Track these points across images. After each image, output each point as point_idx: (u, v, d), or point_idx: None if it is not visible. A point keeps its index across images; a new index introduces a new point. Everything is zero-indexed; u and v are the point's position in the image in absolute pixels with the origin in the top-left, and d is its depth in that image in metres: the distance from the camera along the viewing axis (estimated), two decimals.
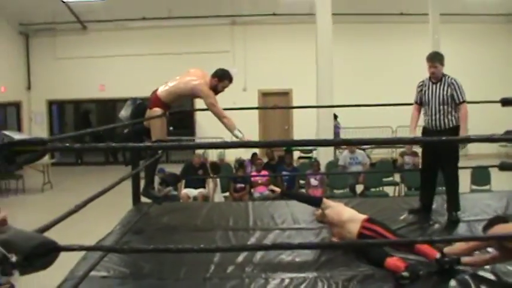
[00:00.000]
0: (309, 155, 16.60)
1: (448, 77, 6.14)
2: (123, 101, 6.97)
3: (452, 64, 16.34)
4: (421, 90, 6.36)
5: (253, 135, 16.97)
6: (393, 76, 17.48)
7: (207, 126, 17.00)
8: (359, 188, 11.75)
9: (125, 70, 18.14)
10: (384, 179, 12.11)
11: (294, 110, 18.23)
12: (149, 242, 5.56)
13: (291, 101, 18.54)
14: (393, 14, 17.10)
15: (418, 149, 13.86)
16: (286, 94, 18.61)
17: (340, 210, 5.28)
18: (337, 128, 15.15)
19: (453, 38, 16.50)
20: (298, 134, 17.86)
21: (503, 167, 7.34)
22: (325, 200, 5.50)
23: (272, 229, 5.99)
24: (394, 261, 4.50)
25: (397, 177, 12.40)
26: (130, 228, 5.79)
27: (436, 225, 6.00)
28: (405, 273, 4.33)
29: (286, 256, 5.09)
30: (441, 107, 6.10)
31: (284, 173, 11.29)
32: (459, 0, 16.36)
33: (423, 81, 6.36)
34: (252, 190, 11.03)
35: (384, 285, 4.39)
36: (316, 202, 5.56)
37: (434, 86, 6.17)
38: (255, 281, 4.52)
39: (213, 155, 14.84)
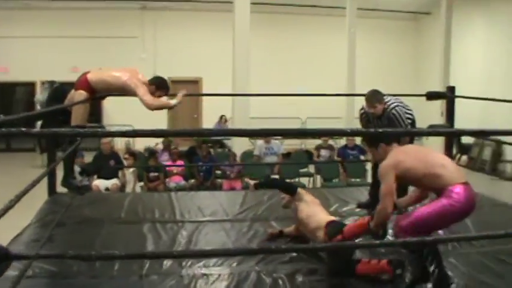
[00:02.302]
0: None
1: (388, 109, 6.01)
2: (26, 84, 6.45)
3: (367, 58, 16.88)
4: (366, 119, 6.25)
5: (162, 124, 16.60)
6: (309, 68, 17.59)
7: (114, 113, 16.40)
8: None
9: (30, 52, 17.09)
10: (300, 170, 12.11)
11: (204, 99, 17.95)
12: (74, 236, 5.16)
13: (201, 89, 18.25)
14: (311, 6, 17.13)
15: (335, 142, 14.13)
16: (195, 82, 18.29)
17: (312, 211, 4.93)
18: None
19: (368, 33, 16.77)
20: (207, 123, 17.60)
21: None
22: (300, 191, 5.24)
23: (202, 221, 5.74)
24: (368, 264, 4.33)
25: (311, 169, 12.41)
26: (51, 222, 5.33)
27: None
28: (398, 271, 4.21)
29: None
30: None
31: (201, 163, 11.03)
32: None
33: (364, 110, 6.22)
34: (168, 180, 10.65)
35: (327, 280, 4.28)
36: (292, 191, 5.26)
37: (377, 119, 6.09)
38: (195, 277, 4.25)
39: (117, 143, 14.26)
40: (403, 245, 4.05)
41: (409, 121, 6.09)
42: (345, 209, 6.44)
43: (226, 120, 16.72)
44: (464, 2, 14.95)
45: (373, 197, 6.44)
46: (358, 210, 6.30)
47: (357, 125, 15.60)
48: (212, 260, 4.54)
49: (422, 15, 18.52)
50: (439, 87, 14.19)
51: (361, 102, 13.56)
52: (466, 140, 15.18)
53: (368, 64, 16.97)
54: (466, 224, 5.45)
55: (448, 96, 7.67)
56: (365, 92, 6.29)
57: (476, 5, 15.58)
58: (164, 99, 5.77)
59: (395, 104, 6.03)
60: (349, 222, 5.02)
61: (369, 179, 11.67)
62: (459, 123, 7.79)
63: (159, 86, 5.74)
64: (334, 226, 4.47)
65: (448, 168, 4.15)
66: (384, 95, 6.08)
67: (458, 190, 3.97)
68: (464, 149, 15.70)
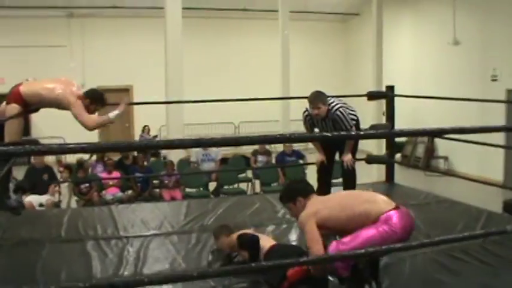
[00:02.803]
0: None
1: (332, 110, 5.97)
2: None
3: (300, 60, 16.94)
4: (311, 121, 6.19)
5: (93, 135, 16.13)
6: (243, 72, 17.53)
7: (43, 126, 15.82)
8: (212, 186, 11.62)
9: None
10: (239, 176, 12.01)
11: (135, 107, 17.57)
12: (13, 260, 4.84)
13: (132, 97, 17.83)
14: (243, 10, 17.04)
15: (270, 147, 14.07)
16: (126, 90, 17.86)
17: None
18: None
19: (300, 35, 16.83)
20: (139, 131, 17.23)
21: (370, 161, 7.43)
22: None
23: (148, 235, 5.52)
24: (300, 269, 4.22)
25: (249, 174, 12.31)
26: None
27: None
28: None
29: (167, 264, 4.74)
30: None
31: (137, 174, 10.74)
32: None
33: (308, 113, 6.15)
34: (104, 192, 10.32)
35: None
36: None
37: (321, 121, 6.04)
38: None
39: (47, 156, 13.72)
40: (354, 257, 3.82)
41: (354, 122, 6.08)
42: None
43: (149, 130, 16.49)
44: (393, 1, 15.22)
45: None
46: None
47: (293, 127, 15.77)
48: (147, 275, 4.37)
49: (350, 16, 18.77)
50: (372, 87, 14.37)
51: (296, 104, 13.67)
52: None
53: (301, 66, 17.05)
54: (416, 223, 5.47)
55: (389, 95, 7.74)
56: (300, 94, 6.24)
57: (404, 5, 15.91)
58: (103, 117, 5.48)
59: (339, 105, 6.01)
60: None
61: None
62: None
63: (94, 99, 5.46)
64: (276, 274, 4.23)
65: (376, 201, 4.05)
66: (328, 97, 6.06)
67: (392, 215, 3.87)
68: (397, 147, 15.95)
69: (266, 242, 4.64)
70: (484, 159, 12.60)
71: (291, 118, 14.60)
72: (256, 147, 12.47)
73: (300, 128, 16.64)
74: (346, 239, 3.85)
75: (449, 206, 6.78)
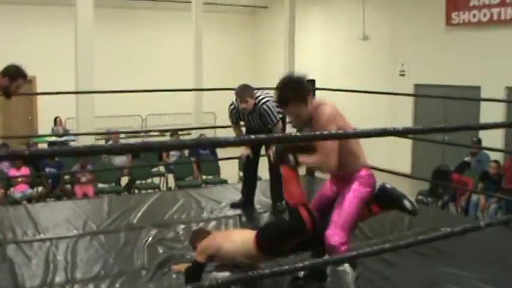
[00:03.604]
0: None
1: (259, 104, 5.88)
2: None
3: (212, 52, 16.70)
4: (237, 115, 6.07)
5: None
6: (156, 63, 17.12)
7: None
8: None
9: None
10: (152, 170, 11.74)
11: (39, 99, 16.79)
12: None
13: (35, 89, 17.02)
14: (155, 0, 16.58)
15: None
16: (29, 81, 17.02)
17: None
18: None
19: (212, 28, 16.57)
20: (43, 124, 16.47)
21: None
22: None
23: (72, 236, 5.20)
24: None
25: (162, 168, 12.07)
26: None
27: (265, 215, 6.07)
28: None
29: (99, 267, 4.50)
30: (261, 129, 5.96)
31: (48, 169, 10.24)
32: None
33: (234, 105, 6.03)
34: (12, 189, 9.77)
35: None
36: None
37: (248, 115, 5.94)
38: None
39: None
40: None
41: (280, 116, 6.05)
42: (218, 209, 6.24)
43: (61, 122, 15.80)
44: None
45: (247, 196, 6.36)
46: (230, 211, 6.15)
47: (205, 120, 15.61)
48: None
49: (259, 9, 18.74)
50: None
51: (208, 97, 13.51)
52: None
53: (213, 59, 16.83)
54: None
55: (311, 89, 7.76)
56: (212, 86, 6.07)
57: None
58: None
59: (266, 98, 5.95)
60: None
61: (223, 177, 11.68)
62: None
63: (14, 75, 4.80)
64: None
65: (361, 149, 3.92)
66: (255, 90, 5.98)
67: (369, 174, 3.85)
68: None
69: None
70: (392, 152, 12.93)
71: (204, 110, 14.45)
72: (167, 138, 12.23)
73: (211, 120, 16.68)
74: (335, 218, 3.72)
75: None
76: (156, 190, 10.59)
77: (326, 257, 3.73)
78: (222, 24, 18.16)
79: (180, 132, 13.98)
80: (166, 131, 14.61)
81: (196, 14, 13.87)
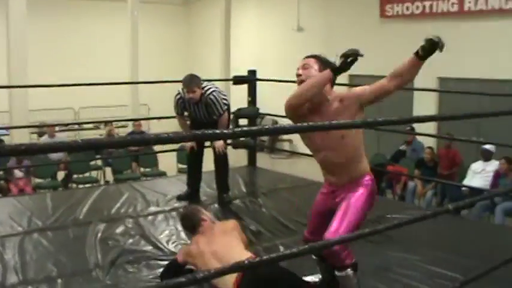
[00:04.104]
0: None
1: (206, 94, 5.88)
2: None
3: (147, 44, 16.45)
4: (183, 105, 6.03)
5: None
6: (91, 55, 16.71)
7: None
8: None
9: None
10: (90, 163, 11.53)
11: None
12: None
13: None
14: None
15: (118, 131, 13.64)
16: None
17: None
18: None
19: (147, 18, 16.33)
20: None
21: (237, 145, 7.45)
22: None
23: (18, 234, 5.04)
24: None
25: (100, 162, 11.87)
26: None
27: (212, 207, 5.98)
28: None
29: (51, 264, 4.41)
30: (206, 121, 5.96)
31: None
32: None
33: (181, 95, 5.99)
34: None
35: None
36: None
37: (194, 105, 5.91)
38: None
39: None
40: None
41: (226, 107, 6.08)
42: (164, 201, 6.20)
43: None
44: None
45: (192, 188, 6.34)
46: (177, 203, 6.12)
47: (143, 112, 15.44)
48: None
49: (194, 0, 18.61)
50: (219, 71, 14.44)
51: (144, 88, 13.35)
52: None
53: (149, 50, 16.62)
54: (300, 207, 5.61)
55: (252, 80, 7.83)
56: (148, 78, 5.97)
57: None
58: None
59: (212, 89, 5.96)
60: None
61: (161, 169, 11.60)
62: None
63: None
64: None
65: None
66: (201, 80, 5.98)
67: (373, 180, 3.60)
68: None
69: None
70: None
71: (142, 102, 14.29)
72: (103, 131, 12.03)
73: (145, 112, 16.43)
74: (336, 225, 3.38)
75: (317, 187, 6.97)
76: (94, 184, 10.45)
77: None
78: (157, 16, 17.95)
79: (114, 124, 13.72)
80: (101, 122, 14.38)
81: (132, 5, 13.67)
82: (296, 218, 5.51)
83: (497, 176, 8.60)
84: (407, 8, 11.74)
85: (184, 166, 9.60)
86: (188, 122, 6.28)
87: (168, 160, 11.53)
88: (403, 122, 3.05)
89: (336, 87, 3.59)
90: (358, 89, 3.55)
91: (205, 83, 6.03)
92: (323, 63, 3.57)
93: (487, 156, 8.96)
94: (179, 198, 6.25)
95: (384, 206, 6.11)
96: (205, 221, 4.15)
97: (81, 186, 10.42)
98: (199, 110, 5.98)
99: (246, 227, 5.21)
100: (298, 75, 3.56)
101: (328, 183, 3.72)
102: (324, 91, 3.49)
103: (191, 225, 4.23)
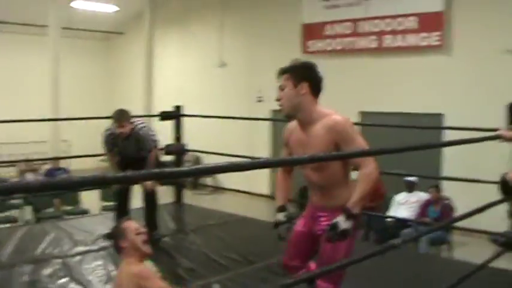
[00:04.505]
0: None
1: (136, 129, 5.86)
2: None
3: (70, 80, 16.06)
4: (113, 141, 5.97)
5: None
6: (11, 89, 16.07)
7: None
8: None
9: None
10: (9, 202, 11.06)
11: None
12: None
13: None
14: (4, 23, 15.63)
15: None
16: None
17: None
18: None
19: (69, 53, 15.97)
20: None
21: (166, 182, 7.41)
22: None
23: None
24: None
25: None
26: None
27: None
28: None
29: None
30: (135, 156, 5.96)
31: None
32: (74, 15, 15.83)
33: (111, 131, 5.93)
34: None
35: None
36: None
37: (123, 140, 5.87)
38: None
39: None
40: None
41: (154, 143, 6.08)
42: (91, 240, 6.07)
43: None
44: (161, 22, 15.30)
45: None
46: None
47: (63, 148, 15.02)
48: None
49: (116, 35, 18.39)
50: (142, 107, 14.33)
51: (65, 124, 13.06)
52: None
53: (69, 85, 16.20)
54: (232, 243, 5.61)
55: (179, 115, 7.84)
56: (70, 115, 5.90)
57: (172, 26, 16.06)
58: None
59: (143, 124, 5.99)
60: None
61: (84, 207, 11.29)
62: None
63: None
64: None
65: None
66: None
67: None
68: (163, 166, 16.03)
69: None
70: (250, 175, 13.17)
71: (62, 138, 13.96)
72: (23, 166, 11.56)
73: (66, 148, 16.03)
74: (323, 268, 3.23)
75: (246, 223, 7.06)
76: (13, 224, 10.06)
77: None
78: (78, 50, 17.58)
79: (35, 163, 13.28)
80: (16, 161, 13.92)
81: (53, 39, 13.44)
82: (227, 255, 5.51)
83: (428, 204, 8.87)
84: (328, 44, 12.07)
85: (108, 203, 9.45)
86: (117, 158, 6.21)
87: (90, 197, 11.25)
88: (349, 156, 3.10)
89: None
90: (343, 136, 3.25)
91: (134, 119, 6.01)
92: (296, 76, 3.37)
93: (410, 188, 9.24)
94: (107, 236, 6.12)
95: None
96: (125, 248, 3.62)
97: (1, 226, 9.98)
98: (129, 146, 5.94)
99: (178, 265, 5.17)
100: (278, 100, 3.42)
101: (310, 204, 3.56)
102: (310, 111, 3.34)
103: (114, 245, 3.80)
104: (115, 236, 3.71)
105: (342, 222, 3.09)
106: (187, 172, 1.99)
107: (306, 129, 3.36)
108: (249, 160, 2.70)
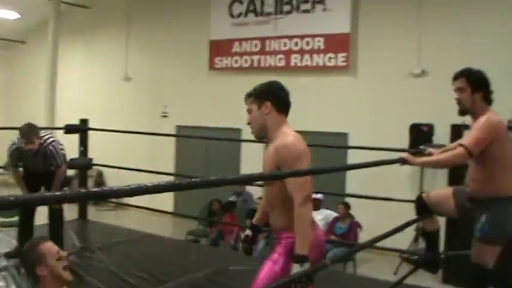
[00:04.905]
0: None
1: (44, 144, 5.61)
2: None
3: None
4: (18, 156, 5.67)
5: None
6: None
7: None
8: None
9: None
10: None
11: None
12: None
13: None
14: None
15: None
16: None
17: None
18: None
19: None
20: None
21: None
22: None
23: None
24: None
25: None
26: None
27: None
28: None
29: None
30: (42, 171, 5.73)
31: None
32: None
33: (16, 145, 5.63)
34: None
35: None
36: None
37: (31, 155, 5.59)
38: None
39: None
40: None
41: (63, 158, 5.86)
42: None
43: None
44: (64, 33, 14.77)
45: (23, 243, 5.91)
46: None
47: None
48: None
49: (17, 44, 17.59)
50: (44, 119, 13.76)
51: None
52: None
53: None
54: (141, 261, 5.44)
55: (85, 129, 7.60)
56: None
57: (75, 38, 15.56)
58: None
59: (51, 138, 5.77)
60: None
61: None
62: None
63: None
64: None
65: None
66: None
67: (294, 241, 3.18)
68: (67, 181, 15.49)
69: None
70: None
71: None
72: None
73: None
74: None
75: (153, 240, 6.91)
76: None
77: None
78: None
79: None
80: None
81: None
82: (136, 273, 5.34)
83: (335, 221, 8.98)
84: (236, 62, 12.10)
85: (7, 219, 8.95)
86: (21, 172, 5.92)
87: None
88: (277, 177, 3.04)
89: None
90: (282, 160, 3.21)
91: (43, 132, 5.76)
92: (258, 97, 3.40)
93: (316, 205, 9.33)
94: (8, 255, 5.80)
95: (224, 258, 6.14)
96: (42, 277, 3.14)
97: None
98: (36, 161, 5.68)
99: (87, 285, 4.94)
100: (248, 124, 3.44)
101: None
102: (272, 130, 3.34)
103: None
104: (28, 261, 3.18)
105: (297, 268, 3.05)
106: (126, 191, 1.80)
107: (267, 148, 3.38)
108: (188, 179, 2.59)
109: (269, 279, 3.13)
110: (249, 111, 3.43)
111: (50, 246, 3.19)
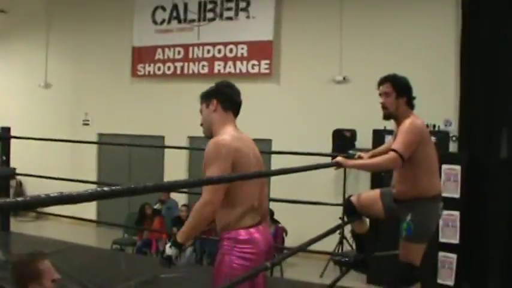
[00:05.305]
0: None
1: None
2: None
3: None
4: None
5: None
6: None
7: None
8: None
9: None
10: None
11: None
12: None
13: None
14: None
15: None
16: None
17: None
18: None
19: None
20: None
21: None
22: None
23: None
24: None
25: None
26: None
27: None
28: None
29: None
30: None
31: None
32: None
33: None
34: None
35: None
36: None
37: None
38: None
39: None
40: None
41: None
42: None
43: None
44: None
45: None
46: None
47: None
48: None
49: None
50: None
51: None
52: None
53: None
54: (72, 273, 5.35)
55: (6, 137, 7.39)
56: None
57: None
58: None
59: None
60: None
61: None
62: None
63: None
64: None
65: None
66: None
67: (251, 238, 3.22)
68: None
69: None
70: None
71: None
72: None
73: None
74: None
75: (80, 250, 6.80)
76: None
77: None
78: None
79: None
80: None
81: None
82: (66, 285, 5.21)
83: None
84: (158, 69, 12.05)
85: None
86: None
87: None
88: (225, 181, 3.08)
89: None
90: (205, 159, 3.26)
91: None
92: (206, 96, 3.48)
93: None
94: None
95: (154, 266, 6.09)
96: None
97: None
98: None
99: None
100: (201, 125, 3.55)
101: None
102: (216, 129, 3.41)
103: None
104: (22, 274, 3.13)
105: (168, 248, 3.17)
106: (55, 199, 1.78)
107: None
108: (169, 182, 2.59)
109: (225, 280, 3.11)
110: (201, 111, 3.52)
111: (48, 266, 3.16)
